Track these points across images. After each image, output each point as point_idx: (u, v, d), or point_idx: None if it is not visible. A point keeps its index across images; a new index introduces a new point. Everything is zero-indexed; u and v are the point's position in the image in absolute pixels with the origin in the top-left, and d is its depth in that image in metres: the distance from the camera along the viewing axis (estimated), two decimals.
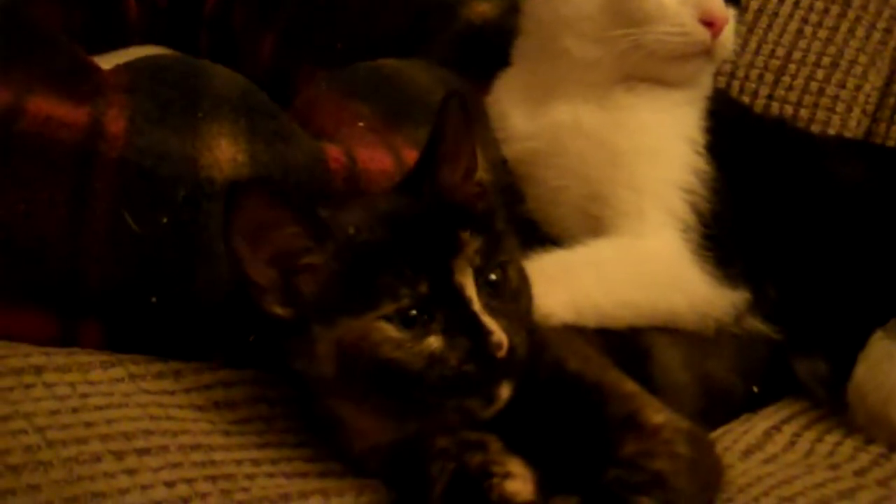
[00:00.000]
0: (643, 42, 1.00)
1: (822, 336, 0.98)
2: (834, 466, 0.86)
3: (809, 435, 0.92)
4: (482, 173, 0.86)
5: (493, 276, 0.78)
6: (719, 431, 0.93)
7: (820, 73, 1.30)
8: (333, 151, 0.95)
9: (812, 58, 1.31)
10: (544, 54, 1.08)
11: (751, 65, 1.32)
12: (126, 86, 0.91)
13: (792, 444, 0.90)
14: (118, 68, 0.94)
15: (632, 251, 0.98)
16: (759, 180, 1.04)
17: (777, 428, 0.92)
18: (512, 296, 0.79)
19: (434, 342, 0.75)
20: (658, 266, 0.97)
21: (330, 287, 0.77)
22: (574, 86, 1.05)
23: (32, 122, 0.86)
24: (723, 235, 0.99)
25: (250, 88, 0.96)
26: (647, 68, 1.03)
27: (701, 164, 1.01)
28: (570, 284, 0.93)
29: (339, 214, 0.80)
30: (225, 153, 0.89)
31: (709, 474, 0.79)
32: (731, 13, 1.03)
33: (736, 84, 1.32)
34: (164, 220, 0.87)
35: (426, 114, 1.04)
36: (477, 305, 0.75)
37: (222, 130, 0.90)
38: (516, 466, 0.75)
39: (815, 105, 1.29)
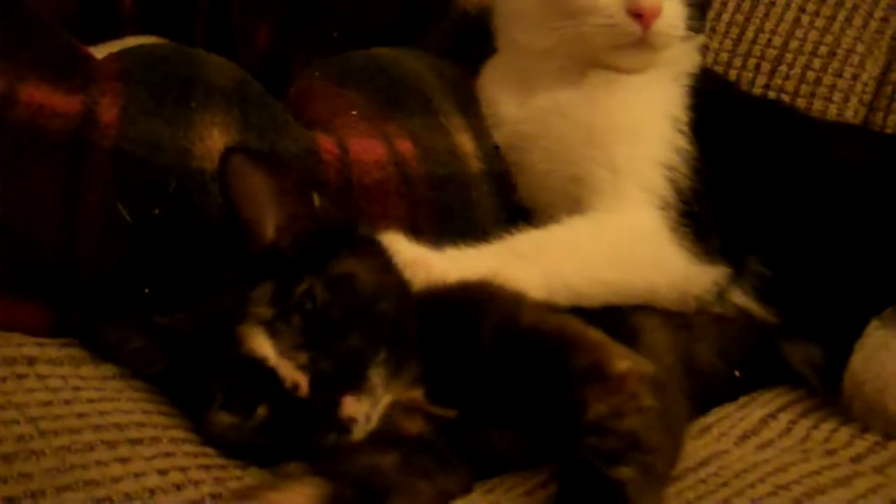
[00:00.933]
0: (579, 33, 1.02)
1: (818, 321, 0.97)
2: (830, 453, 0.85)
3: (805, 422, 0.91)
4: (299, 208, 0.84)
5: (297, 313, 0.78)
6: (715, 417, 0.93)
7: (817, 63, 1.30)
8: (326, 143, 0.95)
9: (809, 47, 1.30)
10: (512, 46, 1.10)
11: (748, 54, 1.32)
12: (119, 74, 0.90)
13: (788, 430, 0.90)
14: (111, 57, 0.94)
15: (606, 227, 0.98)
16: (750, 158, 1.04)
17: (773, 415, 0.92)
18: (327, 314, 0.79)
19: (262, 412, 0.77)
20: (634, 242, 0.97)
21: (172, 384, 0.82)
22: (549, 69, 1.06)
23: (25, 111, 0.86)
24: (702, 212, 0.98)
25: (244, 78, 0.96)
26: (592, 56, 1.04)
27: (681, 141, 1.01)
28: (541, 262, 0.93)
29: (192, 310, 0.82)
30: (217, 143, 0.89)
31: (677, 422, 0.79)
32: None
33: (733, 73, 1.31)
34: (157, 210, 0.87)
35: (420, 102, 1.04)
36: (273, 360, 0.76)
37: (215, 120, 0.90)
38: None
39: (812, 94, 1.29)
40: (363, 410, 0.76)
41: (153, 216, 0.86)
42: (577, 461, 0.73)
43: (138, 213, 0.86)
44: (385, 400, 0.79)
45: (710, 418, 0.92)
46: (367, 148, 0.96)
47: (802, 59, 1.30)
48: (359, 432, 0.76)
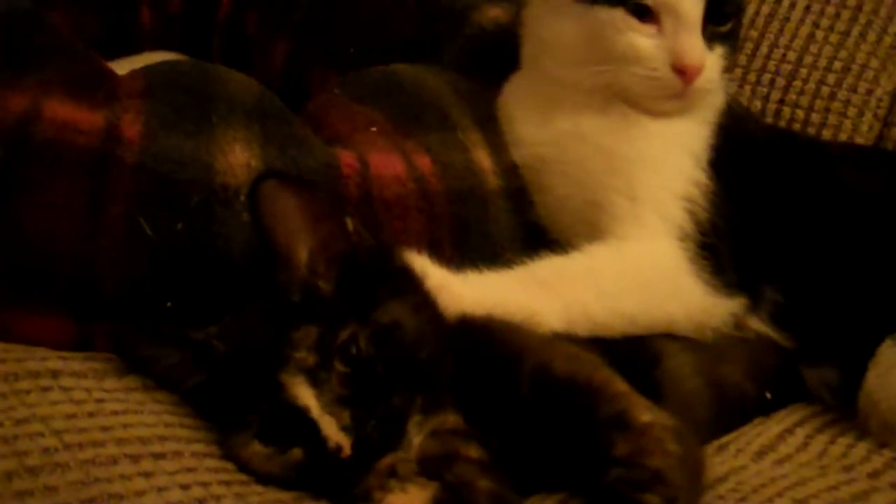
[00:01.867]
0: (617, 79, 1.01)
1: (833, 344, 0.97)
2: (847, 468, 0.86)
3: (822, 437, 0.92)
4: (336, 243, 0.85)
5: (340, 362, 0.78)
6: (732, 435, 0.93)
7: (831, 78, 1.30)
8: (346, 157, 0.96)
9: (823, 62, 1.31)
10: (537, 67, 1.09)
11: (762, 69, 1.32)
12: (142, 91, 0.91)
13: (805, 445, 0.90)
14: (133, 73, 0.95)
15: (627, 257, 0.98)
16: (765, 190, 1.04)
17: (790, 430, 0.92)
18: (371, 368, 0.79)
19: (297, 454, 0.78)
20: (653, 273, 0.97)
21: (206, 399, 0.83)
22: (575, 96, 1.05)
23: (49, 127, 0.87)
24: (720, 245, 0.98)
25: (265, 94, 0.97)
26: (625, 99, 1.03)
27: (702, 178, 1.01)
28: (561, 292, 0.93)
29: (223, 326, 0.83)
30: (239, 159, 0.90)
31: (697, 468, 0.80)
32: (717, 52, 1.02)
33: (747, 88, 1.32)
34: (179, 225, 0.87)
35: (438, 118, 1.05)
36: (315, 412, 0.76)
37: (237, 136, 0.91)
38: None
39: (827, 109, 1.29)
40: (396, 460, 0.77)
41: (175, 231, 0.87)
42: (605, 487, 0.75)
43: (160, 227, 0.87)
44: (416, 441, 0.80)
45: (727, 436, 0.93)
46: (387, 163, 0.97)
47: (817, 75, 1.30)
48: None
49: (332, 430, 0.75)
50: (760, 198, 1.03)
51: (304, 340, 0.78)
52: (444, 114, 1.06)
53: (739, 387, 0.97)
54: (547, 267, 0.96)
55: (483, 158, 1.05)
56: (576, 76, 1.04)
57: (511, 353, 0.83)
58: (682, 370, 0.93)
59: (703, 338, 0.97)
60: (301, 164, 0.92)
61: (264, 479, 0.79)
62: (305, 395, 0.77)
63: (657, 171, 1.01)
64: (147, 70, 0.96)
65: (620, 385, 0.81)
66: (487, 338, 0.86)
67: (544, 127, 1.07)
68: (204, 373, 0.82)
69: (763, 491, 0.80)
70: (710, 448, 0.90)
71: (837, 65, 1.30)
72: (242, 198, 0.88)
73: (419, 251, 0.93)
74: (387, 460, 0.77)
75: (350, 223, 0.86)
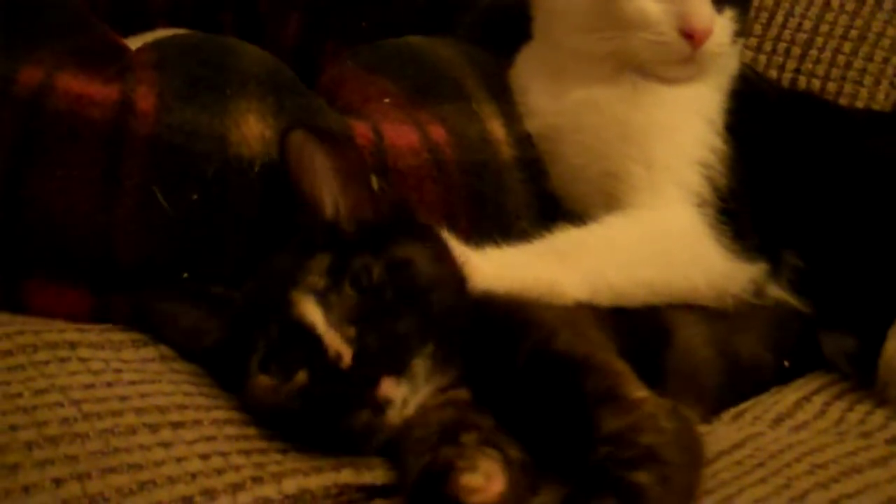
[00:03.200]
0: (626, 45, 1.01)
1: (851, 311, 0.97)
2: (866, 435, 0.85)
3: (840, 405, 0.91)
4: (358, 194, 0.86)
5: (351, 287, 0.79)
6: (748, 403, 0.93)
7: (847, 46, 1.29)
8: (360, 128, 0.96)
9: (839, 30, 1.29)
10: (549, 38, 1.09)
11: (777, 38, 1.31)
12: (155, 63, 0.92)
13: (822, 412, 0.90)
14: (146, 46, 0.95)
15: (646, 226, 0.98)
16: (784, 154, 1.03)
17: (807, 398, 0.92)
18: (380, 294, 0.79)
19: (301, 377, 0.77)
20: (673, 241, 0.97)
21: (224, 356, 0.83)
22: (587, 66, 1.05)
23: (63, 100, 0.87)
24: (739, 210, 0.98)
25: (278, 66, 0.97)
26: (635, 66, 1.03)
27: (718, 142, 1.01)
28: (583, 262, 0.93)
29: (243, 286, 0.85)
30: (253, 130, 0.90)
31: (693, 447, 0.77)
32: (726, 16, 1.02)
33: (762, 58, 1.31)
34: (194, 196, 0.88)
35: (452, 89, 1.05)
36: (321, 327, 0.76)
37: (250, 107, 0.91)
38: (486, 462, 0.73)
39: (843, 78, 1.28)
40: (401, 394, 0.77)
41: (191, 202, 0.87)
42: (591, 467, 0.72)
43: (176, 199, 0.87)
44: (424, 392, 0.79)
45: (743, 404, 0.93)
46: (401, 133, 0.97)
47: (833, 44, 1.29)
48: (393, 416, 0.76)
49: (335, 341, 0.75)
50: (779, 162, 1.02)
51: (317, 266, 0.79)
52: (458, 85, 1.05)
53: (755, 356, 0.96)
54: (565, 238, 0.96)
55: (497, 129, 1.04)
56: (587, 44, 1.04)
57: (517, 328, 0.83)
58: (693, 341, 0.93)
59: (724, 305, 0.96)
60: None
61: (273, 422, 0.79)
62: (312, 311, 0.77)
63: (672, 138, 1.01)
64: (159, 43, 0.96)
65: (617, 364, 0.81)
66: (499, 313, 0.85)
67: (557, 97, 1.07)
68: (224, 328, 0.83)
69: (781, 456, 0.80)
70: (727, 416, 0.91)
71: (853, 33, 1.29)
72: (257, 168, 0.88)
73: (435, 223, 0.92)
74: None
75: (375, 181, 0.88)
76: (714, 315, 0.96)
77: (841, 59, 1.28)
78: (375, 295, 0.79)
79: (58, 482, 0.68)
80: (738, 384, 0.94)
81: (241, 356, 0.80)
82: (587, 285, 0.92)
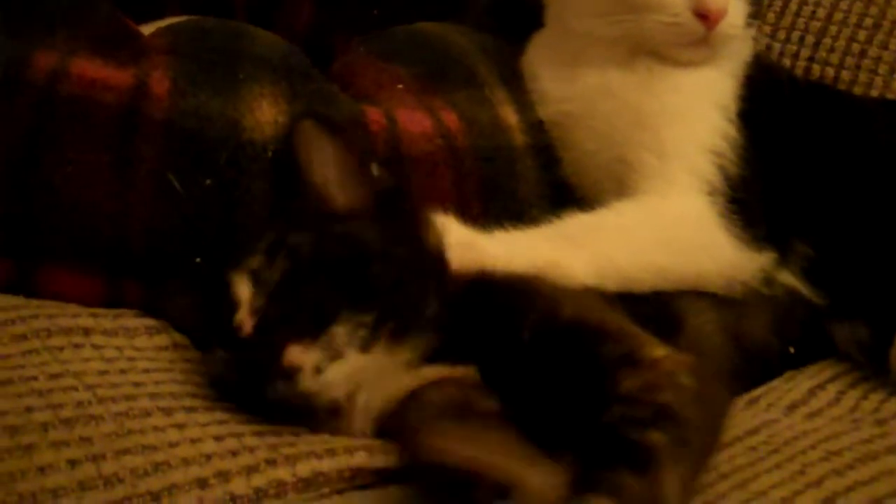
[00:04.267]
0: (639, 27, 1.00)
1: (864, 300, 0.96)
2: (881, 423, 0.85)
3: (854, 393, 0.91)
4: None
5: (283, 262, 0.78)
6: (763, 388, 0.92)
7: (861, 35, 1.28)
8: (373, 113, 0.96)
9: (853, 19, 1.28)
10: (562, 24, 1.09)
11: (791, 27, 1.30)
12: (168, 48, 0.92)
13: (837, 400, 0.89)
14: (160, 31, 0.95)
15: (656, 213, 0.97)
16: (797, 143, 1.03)
17: (821, 386, 0.91)
18: (305, 267, 0.78)
19: (220, 353, 0.78)
20: (683, 228, 0.97)
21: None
22: (600, 51, 1.05)
23: (77, 85, 0.87)
24: (750, 199, 0.97)
25: (291, 50, 0.97)
26: (649, 50, 1.03)
27: (730, 129, 1.00)
28: (591, 247, 0.92)
29: None
30: (266, 115, 0.90)
31: (715, 406, 0.76)
32: None
33: (776, 46, 1.29)
34: (208, 181, 0.88)
35: (464, 75, 1.05)
36: (244, 305, 0.76)
37: (263, 92, 0.91)
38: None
39: (857, 67, 1.27)
40: (311, 360, 0.74)
41: (204, 187, 0.87)
42: (602, 427, 0.69)
43: (190, 184, 0.87)
44: (362, 361, 0.76)
45: (757, 390, 0.92)
46: (414, 120, 0.97)
47: (847, 32, 1.28)
48: (306, 383, 0.74)
49: (243, 311, 0.76)
50: (791, 150, 1.02)
51: (260, 244, 0.80)
52: (470, 71, 1.05)
53: (763, 342, 0.96)
54: (574, 223, 0.95)
55: (510, 115, 1.04)
56: (599, 28, 1.03)
57: (518, 302, 0.82)
58: (705, 328, 0.92)
59: (733, 292, 0.96)
60: (328, 118, 0.92)
61: (229, 394, 0.80)
62: (242, 291, 0.77)
63: (684, 124, 1.00)
64: (172, 27, 0.96)
65: (632, 327, 0.80)
66: (501, 288, 0.85)
67: (570, 83, 1.06)
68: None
69: (795, 443, 0.80)
70: (741, 402, 0.90)
71: (868, 21, 1.28)
72: (270, 153, 0.88)
73: (447, 209, 0.92)
74: None
75: (375, 168, 0.88)
76: (723, 302, 0.95)
77: (855, 47, 1.27)
78: (299, 267, 0.78)
79: (73, 463, 0.68)
80: (747, 370, 0.93)
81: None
82: (595, 269, 0.91)
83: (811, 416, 0.87)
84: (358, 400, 0.78)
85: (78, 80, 0.87)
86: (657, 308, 0.92)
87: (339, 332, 0.76)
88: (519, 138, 1.04)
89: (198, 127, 0.88)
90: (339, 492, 0.75)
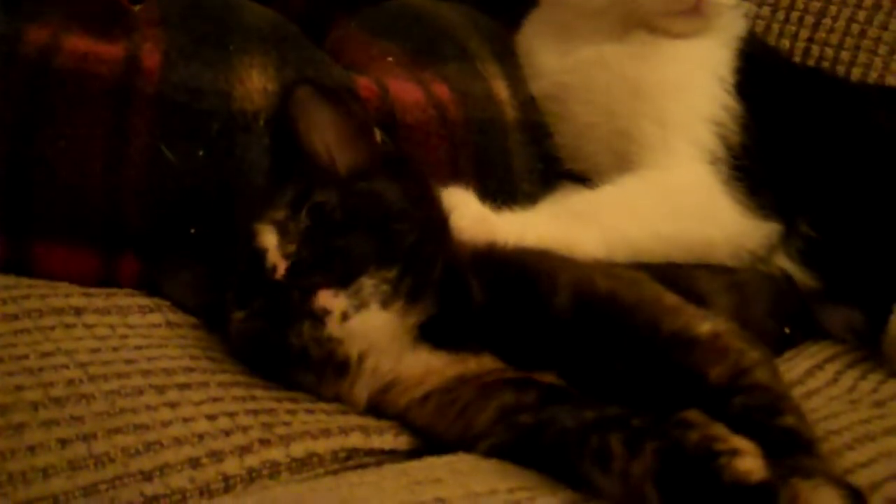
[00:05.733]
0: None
1: (859, 285, 0.96)
2: (879, 404, 0.85)
3: (852, 373, 0.91)
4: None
5: (308, 213, 0.78)
6: None
7: (861, 15, 1.27)
8: (364, 81, 0.96)
9: None
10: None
11: (791, 7, 1.29)
12: (159, 20, 0.91)
13: (835, 380, 0.89)
14: (149, 4, 0.94)
15: (660, 184, 0.98)
16: (794, 122, 1.03)
17: (819, 366, 0.91)
18: (333, 218, 0.78)
19: (259, 303, 0.77)
20: (688, 197, 0.97)
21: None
22: (595, 24, 1.05)
23: (69, 59, 0.86)
24: (752, 166, 0.98)
25: (280, 20, 0.97)
26: (642, 21, 1.02)
27: (729, 100, 1.00)
28: (600, 221, 0.93)
29: None
30: (256, 84, 0.90)
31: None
32: None
33: (776, 27, 1.29)
34: (201, 152, 0.87)
35: (455, 49, 1.05)
36: (272, 252, 0.76)
37: (253, 62, 0.90)
38: (741, 442, 0.65)
39: (857, 47, 1.26)
40: (340, 306, 0.75)
41: (197, 158, 0.87)
42: (738, 418, 0.68)
43: (183, 156, 0.87)
44: (381, 316, 0.77)
45: None
46: (406, 89, 0.97)
47: (847, 12, 1.27)
48: (333, 328, 0.75)
49: (274, 255, 0.76)
50: (789, 127, 1.02)
51: (281, 199, 0.80)
52: (462, 45, 1.06)
53: (762, 323, 0.95)
54: (581, 200, 0.96)
55: (501, 89, 1.04)
56: (592, 2, 1.04)
57: (544, 273, 0.81)
58: (726, 309, 0.91)
59: (740, 261, 0.96)
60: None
61: (254, 359, 0.80)
62: (268, 239, 0.77)
63: (684, 94, 1.01)
64: (161, 1, 0.95)
65: (670, 297, 0.79)
66: (515, 261, 0.84)
67: (566, 56, 1.07)
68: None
69: None
70: None
71: (868, 2, 1.27)
72: (261, 122, 0.88)
73: (442, 181, 0.92)
74: None
75: (378, 134, 0.88)
76: (731, 284, 0.95)
77: (855, 27, 1.26)
78: (327, 219, 0.78)
79: (63, 442, 0.67)
80: None
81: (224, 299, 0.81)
82: (605, 243, 0.92)
83: (808, 395, 0.86)
84: (367, 364, 0.78)
85: (71, 54, 0.86)
86: (683, 289, 0.90)
87: (367, 283, 0.76)
88: (510, 113, 1.04)
89: (188, 99, 0.87)
90: (334, 472, 0.75)
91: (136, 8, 0.97)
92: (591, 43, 1.05)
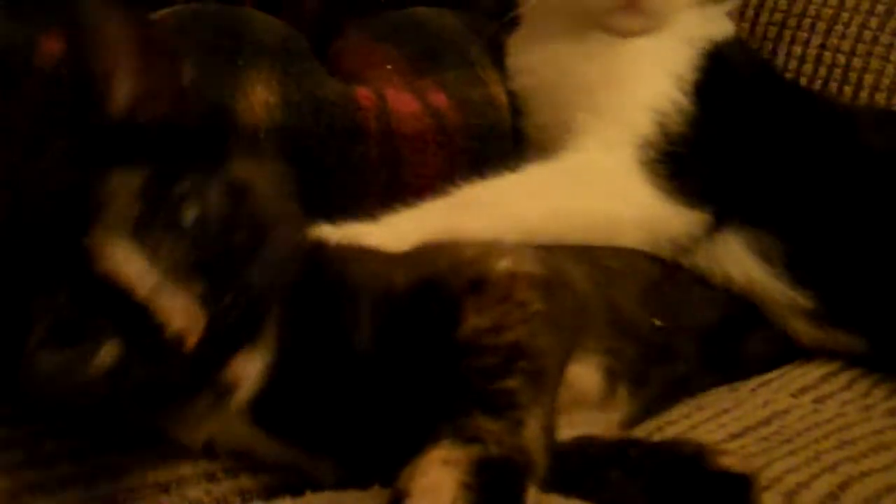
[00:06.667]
0: None
1: (857, 309, 0.92)
2: (893, 412, 0.84)
3: (866, 381, 0.90)
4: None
5: (180, 217, 0.56)
6: (775, 373, 0.92)
7: (873, 21, 1.26)
8: (363, 91, 0.96)
9: (866, 5, 1.27)
10: (526, 7, 1.09)
11: (802, 13, 1.29)
12: (173, 30, 0.91)
13: (849, 386, 0.89)
14: (164, 15, 0.95)
15: (567, 163, 0.94)
16: (760, 130, 0.99)
17: (834, 373, 0.91)
18: (222, 231, 0.57)
19: (110, 352, 0.54)
20: (595, 174, 0.93)
21: None
22: (558, 29, 1.04)
23: None
24: (685, 153, 0.93)
25: (291, 34, 0.97)
26: (593, 21, 1.01)
27: (679, 95, 0.97)
28: (491, 204, 0.89)
29: None
30: (259, 97, 0.90)
31: (569, 318, 0.68)
32: None
33: (787, 34, 1.29)
34: None
35: (456, 55, 1.05)
36: (144, 289, 0.52)
37: (260, 77, 0.91)
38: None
39: (869, 54, 1.25)
40: (255, 370, 0.58)
41: None
42: (454, 383, 0.59)
43: None
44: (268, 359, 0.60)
45: (768, 374, 0.92)
46: (403, 99, 0.96)
47: (859, 19, 1.27)
48: (243, 395, 0.58)
49: (175, 314, 0.52)
50: (752, 131, 0.99)
51: (124, 186, 0.54)
52: (462, 51, 1.06)
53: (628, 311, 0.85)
54: (473, 189, 0.91)
55: (501, 94, 1.04)
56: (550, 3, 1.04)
57: (348, 296, 0.66)
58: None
59: (658, 249, 0.92)
60: (319, 96, 0.92)
61: (56, 409, 0.59)
62: (130, 261, 0.53)
63: (623, 86, 0.98)
64: (175, 12, 0.96)
65: (469, 250, 0.68)
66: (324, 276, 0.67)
67: (529, 56, 1.06)
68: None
69: (808, 434, 0.79)
70: (744, 388, 0.89)
71: (880, 8, 1.26)
72: (262, 134, 0.88)
73: (440, 188, 0.91)
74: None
75: (187, 72, 0.68)
76: (599, 273, 0.86)
77: (867, 34, 1.26)
78: (215, 232, 0.56)
79: None
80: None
81: (12, 328, 0.56)
82: (493, 226, 0.86)
83: (821, 400, 0.86)
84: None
85: None
86: None
87: (269, 324, 0.59)
88: (510, 119, 1.04)
89: (197, 115, 0.87)
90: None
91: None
92: (551, 44, 1.04)
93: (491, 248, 0.70)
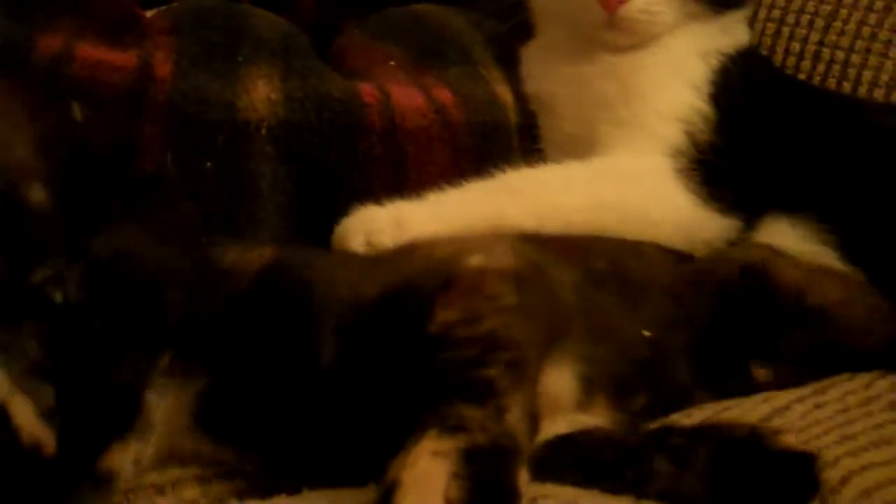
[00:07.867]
0: (566, 10, 1.02)
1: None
2: (893, 406, 0.84)
3: (869, 373, 0.89)
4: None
5: (35, 313, 0.52)
6: None
7: (872, 18, 1.26)
8: (367, 88, 0.96)
9: (864, 1, 1.27)
10: (538, 23, 1.10)
11: (801, 10, 1.29)
12: (171, 28, 0.92)
13: (850, 377, 0.88)
14: (161, 12, 0.95)
15: (605, 167, 0.97)
16: (787, 139, 1.00)
17: None
18: (84, 323, 0.54)
19: None
20: (632, 178, 0.95)
21: None
22: (571, 45, 1.05)
23: (83, 67, 0.86)
24: (717, 162, 0.96)
25: (291, 30, 0.98)
26: (581, 34, 1.02)
27: (703, 106, 0.99)
28: (532, 192, 0.92)
29: None
30: (261, 94, 0.90)
31: (545, 311, 0.69)
32: None
33: (786, 31, 1.29)
34: (208, 164, 0.88)
35: (458, 53, 1.06)
36: (20, 413, 0.50)
37: (261, 73, 0.91)
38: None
39: (868, 51, 1.26)
40: (131, 456, 0.55)
41: (205, 170, 0.87)
42: (432, 378, 0.59)
43: (190, 167, 0.87)
44: (164, 422, 0.58)
45: None
46: (408, 94, 0.97)
47: (857, 15, 1.27)
48: (124, 482, 0.56)
49: (27, 421, 0.50)
50: (772, 145, 1.00)
51: None
52: (465, 50, 1.06)
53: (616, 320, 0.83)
54: (517, 174, 0.94)
55: (505, 93, 1.05)
56: (548, 17, 1.06)
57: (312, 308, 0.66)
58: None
59: (694, 249, 0.94)
60: (322, 92, 0.92)
61: None
62: None
63: (644, 99, 0.99)
64: (174, 9, 0.96)
65: (440, 249, 0.70)
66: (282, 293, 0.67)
67: (544, 66, 1.07)
68: None
69: (809, 430, 0.79)
70: None
71: (879, 4, 1.26)
72: (264, 131, 0.88)
73: (444, 185, 0.92)
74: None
75: (77, 110, 0.64)
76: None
77: (866, 30, 1.26)
78: (77, 324, 0.52)
79: None
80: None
81: None
82: (536, 213, 0.90)
83: (824, 389, 0.85)
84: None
85: (84, 62, 0.86)
86: None
87: (150, 400, 0.56)
88: (513, 117, 1.04)
89: (196, 111, 0.87)
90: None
91: (149, 14, 0.98)
92: (565, 58, 1.05)
93: (462, 247, 0.71)
